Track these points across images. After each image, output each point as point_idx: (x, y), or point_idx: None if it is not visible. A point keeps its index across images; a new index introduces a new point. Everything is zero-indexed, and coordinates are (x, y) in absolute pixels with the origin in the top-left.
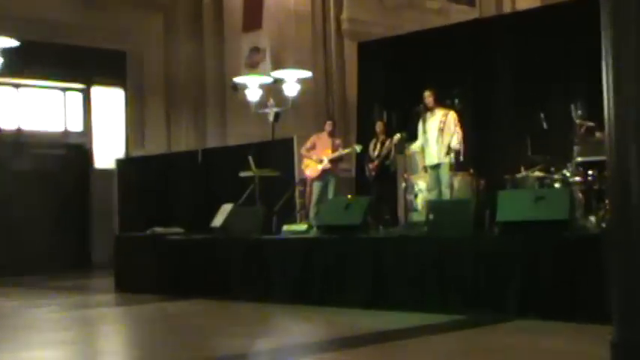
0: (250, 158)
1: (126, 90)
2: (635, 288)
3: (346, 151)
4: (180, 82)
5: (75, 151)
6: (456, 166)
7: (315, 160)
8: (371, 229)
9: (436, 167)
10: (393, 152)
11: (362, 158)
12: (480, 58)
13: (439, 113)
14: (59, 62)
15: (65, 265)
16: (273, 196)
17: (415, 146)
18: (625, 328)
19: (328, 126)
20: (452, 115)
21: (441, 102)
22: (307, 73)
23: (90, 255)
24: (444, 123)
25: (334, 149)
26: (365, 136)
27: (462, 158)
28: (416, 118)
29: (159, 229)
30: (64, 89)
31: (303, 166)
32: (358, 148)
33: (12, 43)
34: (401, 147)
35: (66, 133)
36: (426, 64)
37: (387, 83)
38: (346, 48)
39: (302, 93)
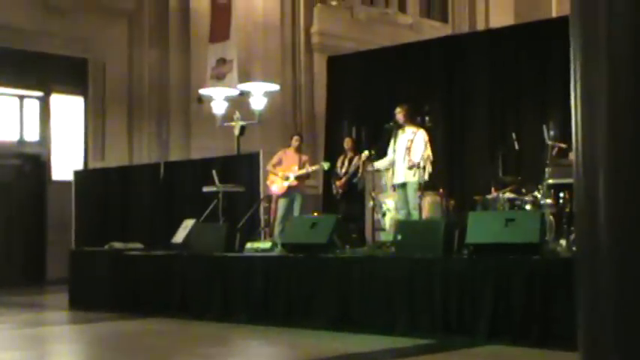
0: (214, 173)
1: (86, 99)
2: (601, 313)
3: (313, 168)
4: (144, 92)
5: (31, 161)
6: (424, 185)
7: (280, 176)
8: (337, 248)
9: (403, 186)
10: (360, 170)
11: (329, 175)
12: (453, 75)
13: (409, 130)
14: (17, 68)
15: (18, 280)
16: (237, 213)
17: (379, 164)
18: (591, 355)
19: (295, 141)
20: (421, 134)
21: (412, 119)
22: (275, 87)
23: (44, 270)
24: (412, 141)
25: (301, 166)
26: (333, 152)
27: (426, 176)
28: (386, 135)
29: (117, 245)
30: (21, 97)
31: (268, 182)
32: (326, 165)
33: None
34: (369, 164)
35: (22, 142)
36: (398, 80)
37: (356, 99)
38: (316, 61)
39: (269, 107)
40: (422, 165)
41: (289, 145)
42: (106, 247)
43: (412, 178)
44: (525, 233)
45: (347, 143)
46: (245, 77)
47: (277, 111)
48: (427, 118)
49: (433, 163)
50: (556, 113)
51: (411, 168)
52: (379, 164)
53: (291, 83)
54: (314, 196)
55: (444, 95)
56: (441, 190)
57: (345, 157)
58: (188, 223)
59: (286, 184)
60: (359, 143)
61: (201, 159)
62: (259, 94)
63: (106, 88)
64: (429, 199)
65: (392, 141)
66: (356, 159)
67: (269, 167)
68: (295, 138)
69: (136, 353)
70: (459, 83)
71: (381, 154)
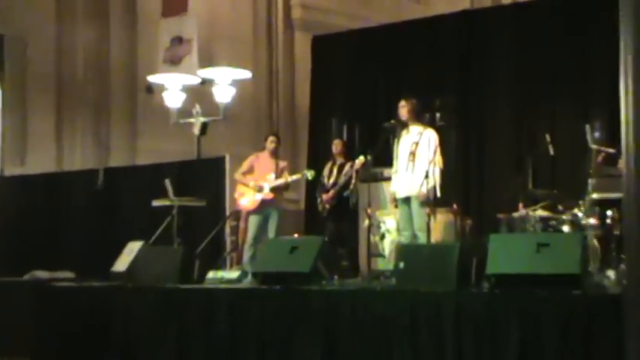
0: (167, 183)
1: (3, 86)
2: None
3: (294, 177)
4: (77, 79)
5: None
6: (433, 200)
7: (252, 187)
8: (323, 279)
9: (407, 201)
10: (353, 180)
11: (314, 186)
12: (471, 60)
13: (414, 131)
14: None
15: None
16: (197, 233)
17: (393, 172)
18: None
19: (271, 143)
20: (429, 134)
21: (419, 116)
22: (246, 74)
23: None
24: (418, 144)
25: (278, 174)
26: (318, 157)
27: (438, 193)
28: (385, 137)
29: (41, 273)
30: None
31: (236, 195)
32: (310, 174)
33: None
34: (365, 173)
35: None
36: (401, 67)
37: (349, 90)
38: (297, 42)
39: (238, 99)
40: (431, 174)
41: (263, 148)
42: (27, 276)
43: (415, 191)
44: (562, 262)
45: (336, 146)
46: (207, 61)
47: (248, 104)
48: (438, 116)
49: (445, 172)
50: (602, 110)
51: (417, 179)
52: (392, 172)
53: (266, 69)
54: (294, 212)
55: (460, 86)
56: (454, 207)
57: (334, 164)
58: (133, 247)
59: (259, 197)
60: (351, 146)
61: (151, 165)
62: (225, 82)
63: (27, 74)
64: (439, 218)
65: (395, 144)
66: (347, 166)
67: (237, 176)
68: (271, 139)
69: None
70: (479, 71)
71: (380, 160)
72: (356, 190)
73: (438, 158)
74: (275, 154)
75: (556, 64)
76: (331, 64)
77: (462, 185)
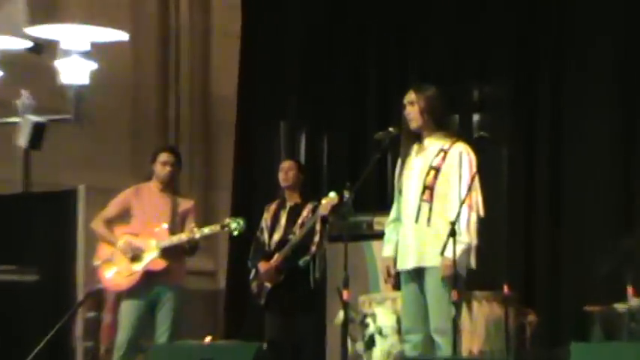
0: None
1: None
2: None
3: (206, 230)
4: None
5: None
6: (466, 278)
7: (126, 248)
8: None
9: (416, 277)
10: (317, 237)
11: (243, 248)
12: (532, 26)
13: (433, 148)
14: None
15: None
16: (24, 333)
17: (390, 227)
18: None
19: (163, 167)
20: (460, 154)
21: (443, 121)
22: (119, 36)
23: None
24: (438, 172)
25: (176, 224)
26: (252, 194)
27: (471, 259)
28: (378, 157)
29: None
30: None
31: (97, 262)
32: (236, 224)
33: None
34: (338, 223)
35: None
36: (408, 30)
37: (309, 71)
38: None
39: (105, 83)
40: (463, 227)
41: (149, 176)
42: None
43: (436, 258)
44: None
45: (286, 173)
46: (46, 15)
47: (123, 94)
48: (476, 121)
49: (487, 224)
50: None
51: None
52: (389, 245)
53: (157, 30)
54: (207, 295)
55: (519, 73)
56: (505, 290)
57: (282, 206)
58: None
59: (139, 267)
60: (314, 174)
61: None
62: (79, 51)
63: None
64: (477, 310)
65: (397, 169)
66: (306, 211)
67: (99, 227)
68: (163, 158)
69: None
70: (557, 51)
71: (368, 199)
72: (322, 257)
73: (476, 198)
74: (171, 187)
75: None
76: (277, 26)
77: (519, 251)
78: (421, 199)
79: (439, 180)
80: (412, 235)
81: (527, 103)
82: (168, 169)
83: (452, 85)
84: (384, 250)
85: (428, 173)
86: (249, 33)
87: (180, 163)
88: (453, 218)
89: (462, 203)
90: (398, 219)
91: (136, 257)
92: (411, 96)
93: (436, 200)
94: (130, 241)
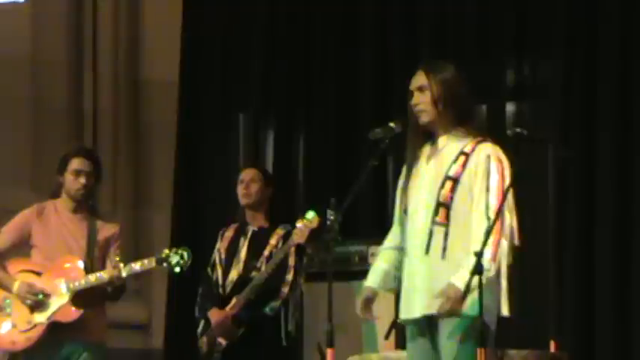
0: None
1: None
2: None
3: (136, 265)
4: None
5: None
6: (498, 331)
7: (23, 292)
8: None
9: (428, 328)
10: (290, 275)
11: (188, 290)
12: None
13: (451, 149)
14: None
15: None
16: None
17: (384, 255)
18: None
19: (74, 180)
20: (485, 153)
21: (462, 113)
22: None
23: None
24: (457, 181)
25: (94, 256)
26: (200, 214)
27: (504, 310)
28: (374, 162)
29: None
30: None
31: None
32: (177, 258)
33: None
34: (319, 255)
35: None
36: None
37: (279, 46)
38: None
39: None
40: (489, 259)
41: (57, 191)
42: None
43: (453, 304)
44: None
45: (247, 187)
46: None
47: (18, 75)
48: (512, 109)
49: (527, 258)
50: None
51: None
52: (374, 276)
53: None
54: (138, 356)
55: (571, 43)
56: (552, 349)
57: (241, 231)
58: None
59: (42, 319)
60: (286, 187)
61: None
62: None
63: None
64: None
65: (401, 181)
66: (275, 237)
67: None
68: (76, 165)
69: None
70: (618, 5)
71: (359, 222)
72: (296, 302)
73: (510, 220)
74: (87, 206)
75: None
76: None
77: (571, 293)
78: (433, 222)
79: (458, 194)
80: (421, 271)
81: (583, 86)
82: (82, 181)
83: (478, 64)
84: (367, 279)
85: (443, 185)
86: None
87: (99, 171)
88: (477, 247)
89: (490, 227)
90: (400, 248)
91: (38, 305)
92: (420, 79)
93: (454, 223)
94: (31, 283)
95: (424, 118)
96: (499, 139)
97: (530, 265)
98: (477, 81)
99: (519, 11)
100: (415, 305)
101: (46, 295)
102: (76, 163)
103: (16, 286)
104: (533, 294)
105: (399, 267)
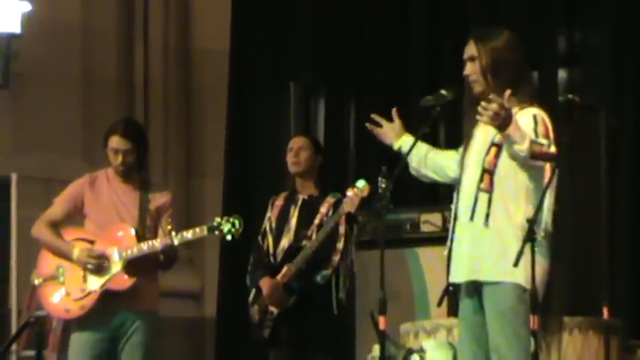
0: None
1: None
2: None
3: (188, 234)
4: None
5: None
6: (550, 297)
7: (85, 258)
8: None
9: (475, 291)
10: (341, 242)
11: (240, 258)
12: None
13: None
14: None
15: None
16: None
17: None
18: None
19: (114, 157)
20: (531, 113)
21: (515, 82)
22: None
23: None
24: (501, 147)
25: (146, 225)
26: (252, 183)
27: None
28: (428, 128)
29: None
30: None
31: (37, 280)
32: (229, 226)
33: None
34: (371, 224)
35: None
36: None
37: (329, 15)
38: None
39: (42, 31)
40: (546, 225)
41: (108, 164)
42: None
43: (500, 271)
44: None
45: (297, 155)
46: None
47: (69, 47)
48: (564, 76)
49: (580, 229)
50: None
51: (526, 243)
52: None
53: None
54: (190, 323)
55: (624, 8)
56: (605, 316)
57: (291, 199)
58: None
59: (96, 287)
60: (336, 155)
61: None
62: None
63: None
64: (568, 345)
65: (458, 153)
66: (325, 205)
67: (43, 234)
68: (113, 144)
69: None
70: None
71: (413, 188)
72: (347, 270)
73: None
74: (137, 175)
75: None
76: None
77: (624, 262)
78: (478, 188)
79: (502, 160)
80: (466, 237)
81: (635, 53)
82: (119, 159)
83: (529, 30)
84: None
85: (488, 152)
86: None
87: (142, 145)
88: (523, 216)
89: (544, 191)
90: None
91: (99, 269)
92: (471, 49)
93: (498, 190)
94: (90, 248)
95: (476, 89)
96: (550, 106)
97: (582, 234)
98: (528, 48)
99: None
100: (460, 270)
101: (107, 259)
102: (113, 142)
103: (76, 252)
104: (587, 262)
105: (427, 156)
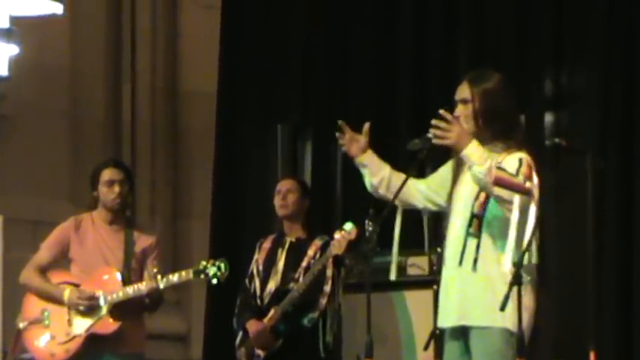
0: None
1: None
2: None
3: (174, 277)
4: None
5: None
6: (533, 341)
7: (75, 300)
8: None
9: (462, 336)
10: (328, 285)
11: (226, 302)
12: None
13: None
14: None
15: None
16: None
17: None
18: None
19: (109, 190)
20: (517, 157)
21: (504, 127)
22: (49, 7)
23: None
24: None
25: (131, 267)
26: (240, 223)
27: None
28: (415, 170)
29: None
30: None
31: (22, 324)
32: (215, 270)
33: None
34: (358, 267)
35: None
36: None
37: (317, 56)
38: None
39: (30, 73)
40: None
41: (93, 207)
42: None
43: (487, 316)
44: None
45: (284, 198)
46: None
47: (57, 88)
48: (550, 119)
49: (567, 266)
50: None
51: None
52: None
53: (104, 2)
54: None
55: (609, 52)
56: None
57: (279, 242)
58: None
59: (81, 330)
60: (324, 198)
61: None
62: None
63: None
64: None
65: (450, 189)
66: (313, 248)
67: (33, 280)
68: (108, 176)
69: None
70: None
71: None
72: (334, 313)
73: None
74: (123, 217)
75: None
76: None
77: (612, 303)
78: (467, 233)
79: (490, 206)
80: (454, 282)
81: (622, 96)
82: (116, 190)
83: (515, 73)
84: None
85: (477, 197)
86: (232, 2)
87: (131, 180)
88: (509, 261)
89: (532, 233)
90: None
91: (91, 310)
92: (464, 91)
93: (486, 234)
94: (80, 289)
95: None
96: (537, 149)
97: (569, 276)
98: (515, 91)
99: (557, 21)
100: (449, 315)
101: (97, 300)
102: (107, 174)
103: (67, 294)
104: (572, 304)
105: (390, 179)
